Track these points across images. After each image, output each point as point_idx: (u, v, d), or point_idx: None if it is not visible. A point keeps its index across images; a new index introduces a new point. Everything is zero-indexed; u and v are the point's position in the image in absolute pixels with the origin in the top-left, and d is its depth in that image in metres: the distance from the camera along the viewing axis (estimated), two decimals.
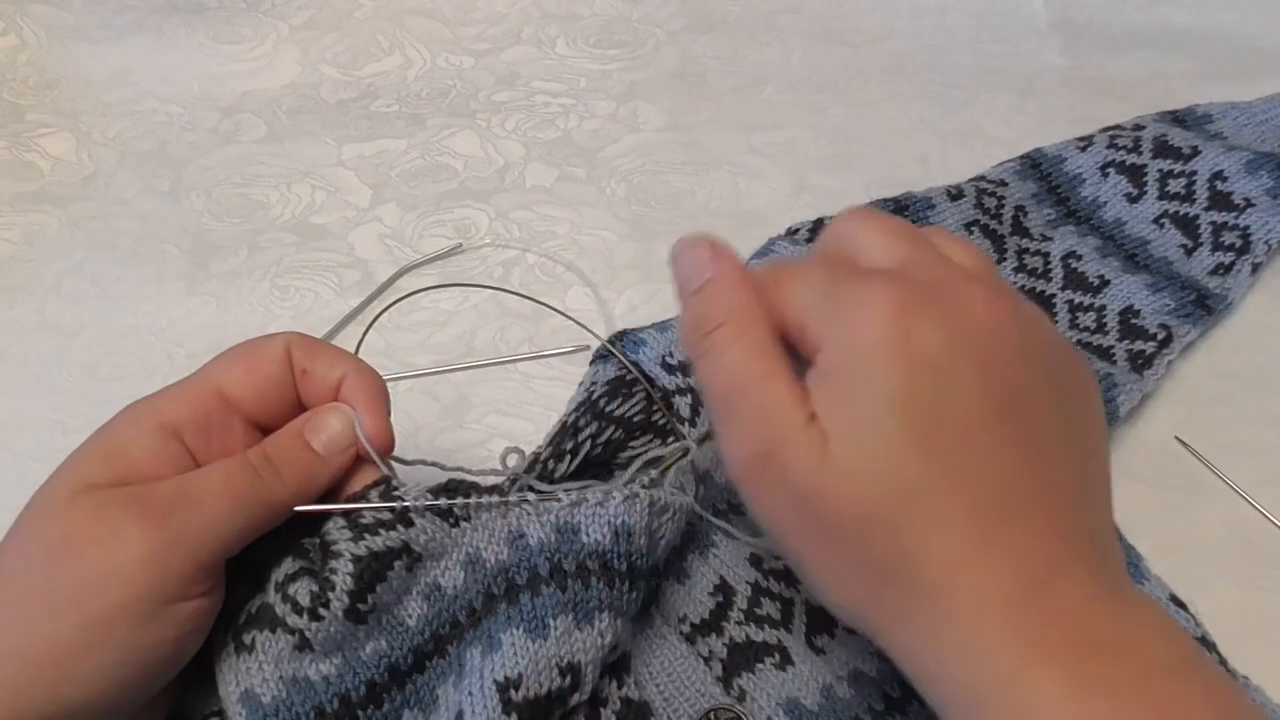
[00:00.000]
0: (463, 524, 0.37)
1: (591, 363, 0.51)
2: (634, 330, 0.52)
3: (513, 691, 0.34)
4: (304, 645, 0.35)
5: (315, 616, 0.35)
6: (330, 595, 0.35)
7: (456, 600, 0.37)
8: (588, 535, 0.37)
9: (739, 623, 0.41)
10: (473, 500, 0.38)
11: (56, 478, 0.35)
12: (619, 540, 0.37)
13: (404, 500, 0.37)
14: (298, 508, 0.36)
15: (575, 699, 0.36)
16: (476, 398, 0.53)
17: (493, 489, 0.39)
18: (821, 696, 0.39)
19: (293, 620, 0.35)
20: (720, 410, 0.32)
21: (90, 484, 0.34)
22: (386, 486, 0.37)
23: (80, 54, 0.74)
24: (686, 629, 0.41)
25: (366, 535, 0.36)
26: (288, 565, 0.36)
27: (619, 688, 0.38)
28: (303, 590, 0.35)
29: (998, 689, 0.28)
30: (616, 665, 0.38)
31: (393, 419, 0.51)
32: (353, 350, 0.41)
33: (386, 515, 0.36)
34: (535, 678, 0.35)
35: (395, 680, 0.36)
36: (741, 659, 0.40)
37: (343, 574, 0.35)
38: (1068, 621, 0.28)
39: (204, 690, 0.37)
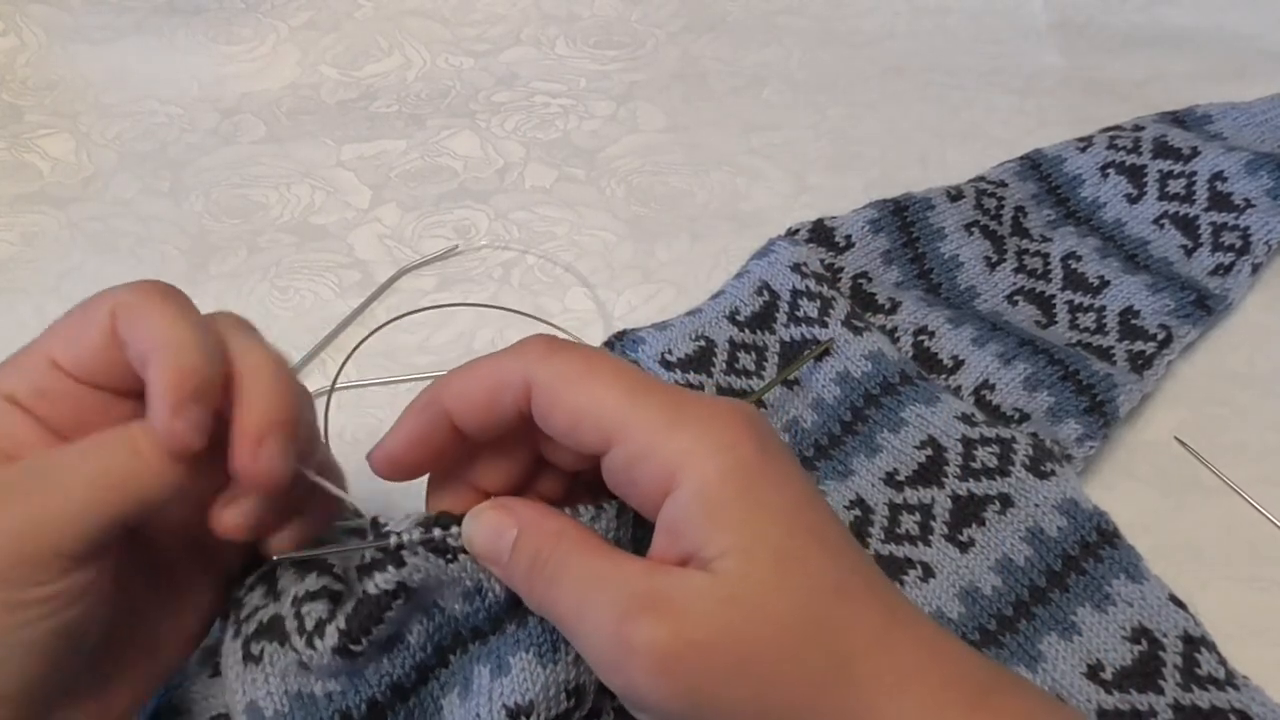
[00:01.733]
0: (460, 558, 0.34)
1: None
2: (633, 330, 0.52)
3: (525, 718, 0.34)
4: (306, 664, 0.34)
5: (310, 645, 0.34)
6: (326, 629, 0.33)
7: (461, 623, 0.36)
8: None
9: None
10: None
11: None
12: None
13: (395, 536, 0.34)
14: (276, 555, 0.34)
15: (576, 715, 0.36)
16: None
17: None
18: None
19: (294, 640, 0.34)
20: (585, 627, 0.30)
21: None
22: (374, 523, 0.34)
23: (80, 55, 0.74)
24: None
25: (364, 578, 0.34)
26: (310, 581, 0.35)
27: (612, 699, 0.38)
28: (311, 615, 0.34)
29: None
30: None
31: (390, 418, 0.51)
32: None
33: (378, 555, 0.34)
34: (545, 704, 0.34)
35: (398, 696, 0.35)
36: None
37: (341, 615, 0.34)
38: (969, 671, 0.30)
39: (213, 686, 0.37)
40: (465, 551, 0.34)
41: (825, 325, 0.50)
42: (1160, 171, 0.61)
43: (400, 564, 0.33)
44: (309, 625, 0.34)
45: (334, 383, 0.53)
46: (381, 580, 0.33)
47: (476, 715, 0.34)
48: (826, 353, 0.50)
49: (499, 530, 0.33)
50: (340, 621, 0.33)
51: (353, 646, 0.33)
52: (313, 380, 0.54)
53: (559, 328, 0.56)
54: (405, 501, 0.38)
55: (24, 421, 0.32)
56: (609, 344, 0.51)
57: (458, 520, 0.34)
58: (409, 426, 0.34)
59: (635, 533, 0.36)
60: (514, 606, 0.35)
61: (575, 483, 0.36)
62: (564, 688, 0.35)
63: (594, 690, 0.36)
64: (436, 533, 0.33)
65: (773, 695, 0.29)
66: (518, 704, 0.34)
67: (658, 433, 0.30)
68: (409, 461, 0.34)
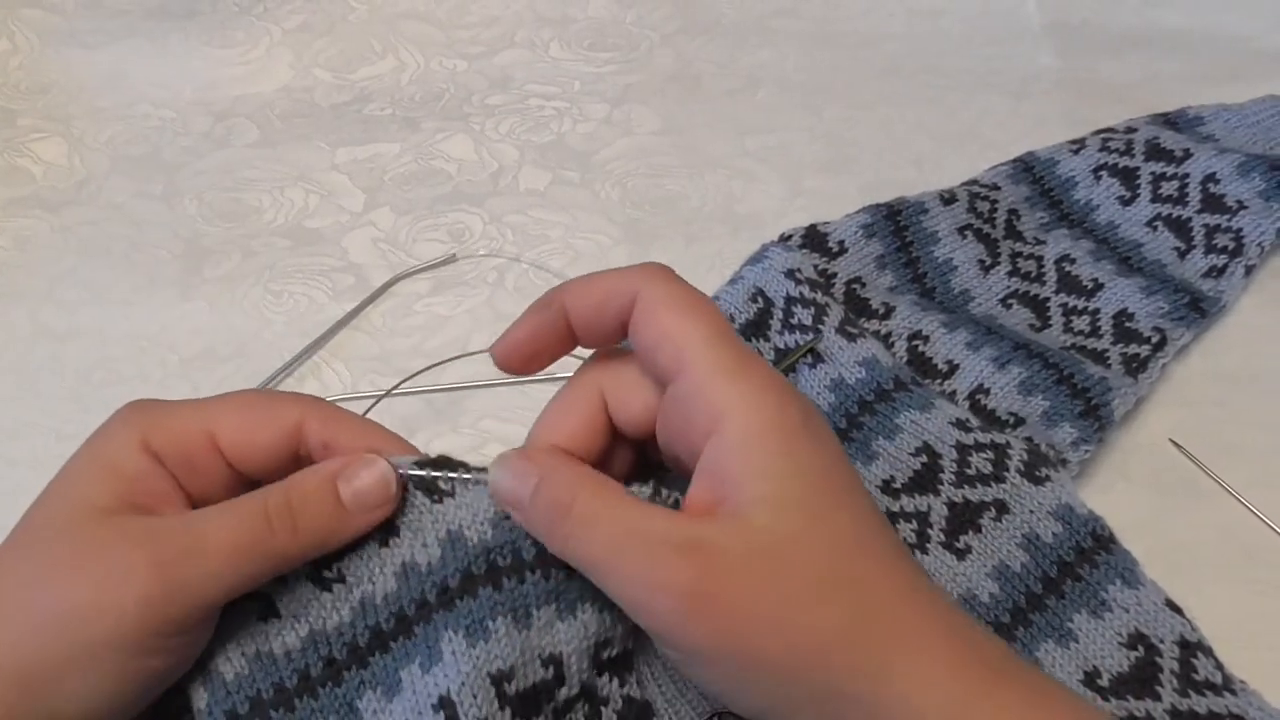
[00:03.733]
0: (446, 500, 0.36)
1: None
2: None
3: (506, 685, 0.34)
4: (268, 612, 0.35)
5: (280, 578, 0.35)
6: None
7: (429, 577, 0.36)
8: None
9: None
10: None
11: (55, 496, 0.34)
12: None
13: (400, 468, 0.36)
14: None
15: (563, 693, 0.36)
16: (471, 403, 0.53)
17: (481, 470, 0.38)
18: None
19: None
20: (618, 574, 0.32)
21: (92, 506, 0.33)
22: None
23: (73, 59, 0.74)
24: None
25: None
26: None
27: (621, 686, 0.38)
28: None
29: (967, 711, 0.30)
30: (619, 664, 0.38)
31: (387, 424, 0.51)
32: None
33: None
34: (523, 670, 0.35)
35: (356, 658, 0.36)
36: None
37: None
38: (984, 648, 0.32)
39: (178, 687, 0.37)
40: (452, 496, 0.36)
41: (819, 332, 0.50)
42: (1153, 174, 0.61)
43: None
44: None
45: (391, 390, 0.53)
46: None
47: (461, 683, 0.34)
48: (814, 353, 0.50)
49: (521, 476, 0.34)
50: None
51: (325, 572, 0.35)
52: (307, 384, 0.54)
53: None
54: None
55: (163, 480, 0.35)
56: None
57: (455, 465, 0.36)
58: (530, 319, 0.36)
59: None
60: (488, 561, 0.36)
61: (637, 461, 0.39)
62: (537, 655, 0.35)
63: (580, 668, 0.36)
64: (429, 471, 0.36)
65: (797, 640, 0.30)
66: (500, 670, 0.34)
67: (719, 375, 0.32)
68: (524, 352, 0.36)
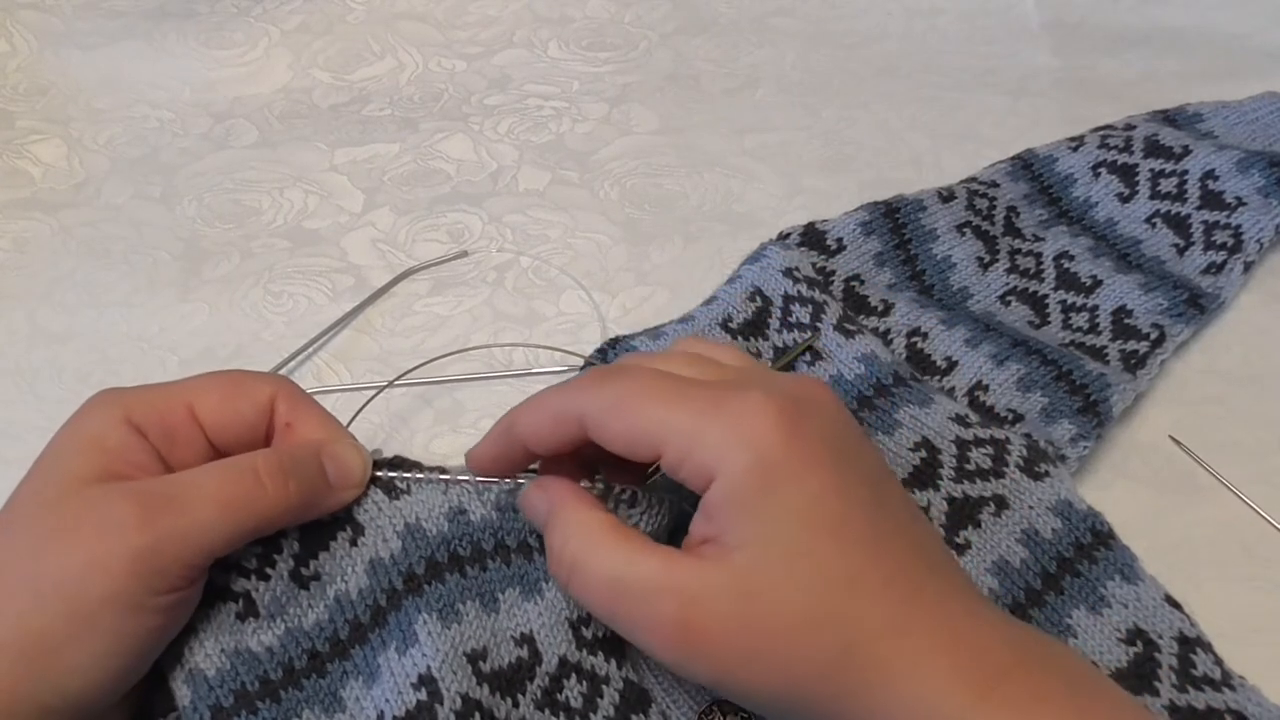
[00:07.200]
0: (404, 497, 0.39)
1: (582, 369, 0.51)
2: (626, 337, 0.52)
3: (481, 663, 0.36)
4: (248, 612, 0.36)
5: (262, 576, 0.36)
6: (277, 557, 0.37)
7: (394, 567, 0.38)
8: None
9: None
10: (478, 479, 0.40)
11: (40, 474, 0.35)
12: None
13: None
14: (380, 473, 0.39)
15: (544, 669, 0.37)
16: (470, 403, 0.53)
17: (438, 469, 0.40)
18: None
19: (238, 584, 0.36)
20: (616, 618, 0.34)
21: (76, 478, 0.34)
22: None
23: (71, 60, 0.74)
24: None
25: None
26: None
27: (619, 668, 0.38)
28: (247, 554, 0.37)
29: None
30: (611, 645, 0.39)
31: (386, 423, 0.51)
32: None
33: None
34: (497, 650, 0.37)
35: (337, 651, 0.37)
36: None
37: (290, 538, 0.37)
38: (988, 653, 0.32)
39: (166, 689, 0.37)
40: (408, 493, 0.39)
41: (818, 330, 0.50)
42: (1152, 170, 0.61)
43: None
44: (250, 564, 0.37)
45: (391, 383, 0.53)
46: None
47: (441, 660, 0.36)
48: (813, 351, 0.50)
49: (538, 511, 0.37)
50: (294, 545, 0.37)
51: (304, 570, 0.37)
52: (305, 385, 0.54)
53: (571, 353, 0.56)
54: None
55: (145, 453, 0.36)
56: (601, 350, 0.51)
57: (409, 465, 0.40)
58: (490, 450, 0.38)
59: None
60: (449, 551, 0.38)
61: None
62: (510, 635, 0.38)
63: (555, 645, 0.38)
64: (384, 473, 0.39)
65: (781, 679, 0.32)
66: (474, 649, 0.36)
67: (693, 437, 0.33)
68: (495, 471, 0.39)
